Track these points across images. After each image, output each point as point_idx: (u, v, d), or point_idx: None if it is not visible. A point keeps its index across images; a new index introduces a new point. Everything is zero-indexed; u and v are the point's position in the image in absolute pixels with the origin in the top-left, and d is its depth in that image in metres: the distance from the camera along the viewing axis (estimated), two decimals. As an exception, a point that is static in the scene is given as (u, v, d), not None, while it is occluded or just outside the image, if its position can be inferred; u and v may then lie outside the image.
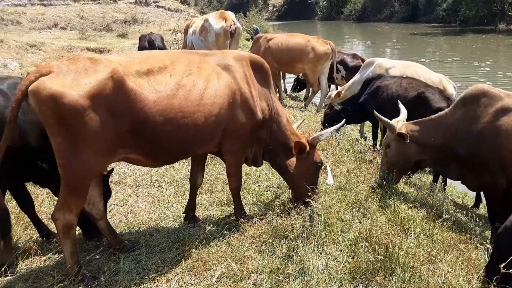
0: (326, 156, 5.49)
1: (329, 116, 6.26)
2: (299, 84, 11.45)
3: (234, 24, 8.24)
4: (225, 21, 8.19)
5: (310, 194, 3.75)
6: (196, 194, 3.91)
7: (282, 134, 3.83)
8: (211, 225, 3.70)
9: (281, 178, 4.14)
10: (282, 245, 3.36)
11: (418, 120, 4.41)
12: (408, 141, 4.23)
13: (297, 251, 3.22)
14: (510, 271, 2.72)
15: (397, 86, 5.64)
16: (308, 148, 3.82)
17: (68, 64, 2.79)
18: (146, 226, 3.80)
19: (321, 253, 3.29)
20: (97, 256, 3.29)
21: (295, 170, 3.84)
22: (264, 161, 4.02)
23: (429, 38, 31.78)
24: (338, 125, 4.15)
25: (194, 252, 3.29)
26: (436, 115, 4.27)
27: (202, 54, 3.55)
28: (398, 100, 5.01)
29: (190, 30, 9.00)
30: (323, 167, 5.15)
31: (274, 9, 67.17)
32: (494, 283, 2.84)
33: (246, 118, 3.48)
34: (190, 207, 3.86)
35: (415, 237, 3.52)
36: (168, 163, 3.71)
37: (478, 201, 5.24)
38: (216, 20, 8.29)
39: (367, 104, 5.89)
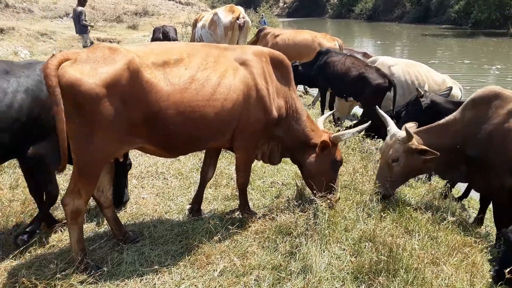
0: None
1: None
2: None
3: (243, 18, 8.24)
4: (234, 15, 8.20)
5: (328, 192, 3.66)
6: (204, 188, 3.92)
7: (301, 132, 3.76)
8: (215, 219, 3.71)
9: (296, 175, 4.22)
10: (285, 242, 3.35)
11: (425, 127, 4.21)
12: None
13: (300, 249, 3.21)
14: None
15: (341, 65, 6.48)
16: (330, 145, 3.71)
17: (88, 52, 2.86)
18: (150, 218, 3.81)
19: (324, 251, 3.29)
20: (101, 246, 3.30)
21: (315, 167, 3.76)
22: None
23: (440, 39, 31.45)
24: (362, 126, 3.94)
25: (197, 246, 3.30)
26: (444, 119, 4.11)
27: (222, 48, 3.53)
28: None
29: (199, 24, 9.03)
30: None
31: (285, 5, 66.84)
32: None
33: (261, 115, 3.44)
34: (197, 199, 3.87)
35: (420, 239, 3.49)
36: (181, 155, 3.71)
37: (467, 193, 5.32)
38: (225, 13, 8.30)
39: (317, 76, 7.01)
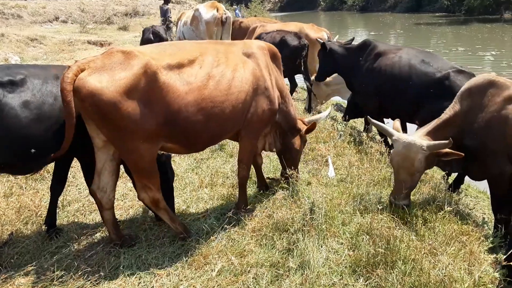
0: (327, 149, 5.46)
1: None
2: None
3: (225, 14, 8.26)
4: (216, 10, 8.21)
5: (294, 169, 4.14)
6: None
7: (292, 116, 4.12)
8: (212, 219, 3.71)
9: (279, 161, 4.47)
10: (282, 239, 3.35)
11: (431, 127, 3.95)
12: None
13: (297, 245, 3.21)
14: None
15: (270, 38, 7.32)
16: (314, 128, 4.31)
17: (103, 59, 2.91)
18: (147, 220, 3.79)
19: (321, 246, 3.29)
20: (97, 252, 3.28)
21: (297, 148, 4.26)
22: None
23: (434, 27, 31.38)
24: (327, 111, 4.69)
25: (195, 247, 3.29)
26: (444, 114, 3.95)
27: (227, 44, 3.76)
28: None
29: (181, 22, 9.04)
30: (324, 160, 5.16)
31: (277, 0, 66.66)
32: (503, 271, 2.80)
33: (267, 104, 3.66)
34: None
35: (417, 230, 3.49)
36: (199, 150, 3.87)
37: (461, 182, 5.08)
38: (207, 9, 8.34)
39: None
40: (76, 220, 3.85)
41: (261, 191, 4.30)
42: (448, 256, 3.10)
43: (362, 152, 5.36)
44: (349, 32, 31.66)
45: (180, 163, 4.97)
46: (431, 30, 30.13)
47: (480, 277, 2.96)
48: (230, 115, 3.34)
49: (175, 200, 3.85)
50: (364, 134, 5.90)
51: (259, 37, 7.60)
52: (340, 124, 6.39)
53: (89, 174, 3.50)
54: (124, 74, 2.84)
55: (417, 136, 3.89)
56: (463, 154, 3.68)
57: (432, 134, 3.89)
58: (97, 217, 3.81)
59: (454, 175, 5.02)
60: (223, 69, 3.32)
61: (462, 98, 3.98)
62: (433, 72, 5.01)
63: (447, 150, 3.70)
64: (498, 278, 2.88)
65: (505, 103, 3.69)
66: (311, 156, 5.29)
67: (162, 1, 13.84)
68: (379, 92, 5.53)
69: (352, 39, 7.19)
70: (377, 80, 5.51)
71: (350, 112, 6.75)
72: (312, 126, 4.19)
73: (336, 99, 9.43)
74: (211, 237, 3.39)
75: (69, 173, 3.65)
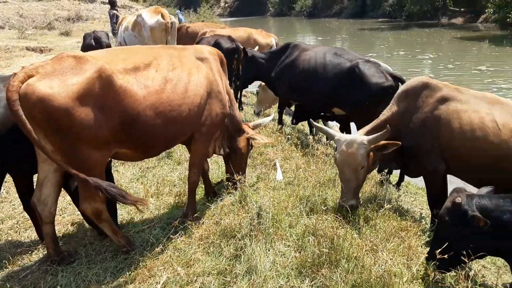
0: (275, 153, 5.52)
1: None
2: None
3: (171, 19, 8.20)
4: (161, 16, 8.12)
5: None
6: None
7: (236, 120, 4.21)
8: (157, 229, 3.61)
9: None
10: (229, 245, 3.33)
11: (370, 128, 4.14)
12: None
13: (245, 250, 3.20)
14: (448, 255, 2.87)
15: (205, 42, 7.42)
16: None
17: (53, 64, 2.76)
18: (87, 234, 3.62)
19: (269, 250, 3.30)
20: (33, 271, 3.09)
21: (243, 151, 4.31)
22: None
23: (377, 33, 32.89)
24: (269, 117, 4.83)
25: (138, 259, 3.18)
26: (381, 115, 4.18)
27: (180, 49, 3.77)
28: None
29: (122, 27, 8.81)
30: (272, 164, 5.21)
31: (226, 5, 66.67)
32: (435, 264, 2.96)
33: (220, 108, 3.75)
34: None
35: (359, 228, 3.61)
36: (155, 155, 3.80)
37: (401, 180, 5.62)
38: (150, 14, 8.20)
39: None
40: (10, 238, 3.61)
41: (209, 198, 4.25)
42: (388, 252, 3.23)
43: (309, 155, 5.47)
44: (297, 37, 32.41)
45: (124, 172, 4.81)
46: (375, 35, 31.54)
47: (418, 270, 3.12)
48: (187, 118, 3.38)
49: (118, 211, 3.72)
50: (311, 137, 6.04)
51: (198, 42, 7.67)
52: (288, 127, 6.49)
53: (24, 190, 3.33)
54: (77, 79, 2.72)
55: (357, 135, 4.04)
56: (399, 142, 3.84)
57: (370, 134, 4.04)
58: (33, 234, 3.59)
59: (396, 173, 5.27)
60: (179, 73, 3.36)
61: (398, 100, 4.19)
62: (344, 62, 5.64)
63: (384, 142, 3.87)
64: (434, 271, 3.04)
65: (438, 104, 3.92)
66: (260, 161, 5.33)
67: (109, 6, 13.45)
68: (295, 85, 6.09)
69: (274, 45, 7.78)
70: (294, 75, 6.09)
71: (297, 116, 6.89)
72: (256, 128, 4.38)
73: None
74: (156, 249, 3.30)
75: (2, 188, 3.41)
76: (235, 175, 4.01)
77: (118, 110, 2.91)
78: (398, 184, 5.55)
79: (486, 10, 30.98)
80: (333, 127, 4.41)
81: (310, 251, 3.21)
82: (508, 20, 27.36)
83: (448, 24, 33.54)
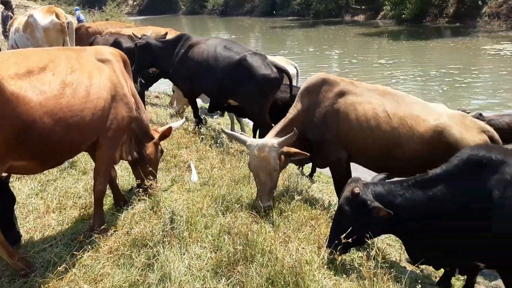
0: (190, 154, 5.43)
1: None
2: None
3: (66, 19, 7.68)
4: (55, 16, 7.56)
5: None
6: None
7: (144, 123, 4.08)
8: (60, 247, 3.34)
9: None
10: (141, 255, 3.18)
11: (279, 128, 4.26)
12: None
13: (158, 258, 3.09)
14: (350, 240, 3.06)
15: (103, 40, 7.49)
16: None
17: None
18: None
19: (184, 254, 3.23)
20: None
21: (152, 156, 4.17)
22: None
23: (287, 30, 34.13)
24: (180, 122, 4.94)
25: (39, 282, 2.91)
26: (288, 114, 4.34)
27: (78, 50, 3.59)
28: None
29: (13, 29, 8.07)
30: (186, 165, 5.12)
31: (135, 3, 63.92)
32: (337, 251, 3.16)
33: (126, 111, 3.58)
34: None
35: (273, 221, 3.69)
36: (56, 166, 3.66)
37: (313, 171, 5.99)
38: (43, 14, 7.60)
39: None
40: None
41: (119, 207, 4.04)
42: (299, 241, 3.35)
43: (224, 153, 5.48)
44: (211, 36, 32.34)
45: (21, 188, 4.34)
46: (285, 33, 32.71)
47: (328, 256, 3.28)
48: (90, 123, 3.17)
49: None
50: (224, 135, 6.06)
51: (92, 41, 7.31)
52: (202, 127, 6.44)
53: None
54: None
55: (267, 137, 4.15)
56: (308, 154, 4.06)
57: (280, 134, 4.18)
58: None
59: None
60: (79, 76, 3.14)
61: (302, 97, 4.38)
62: (233, 55, 5.86)
63: (295, 150, 4.04)
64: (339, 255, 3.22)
65: (337, 98, 4.18)
66: (173, 163, 5.20)
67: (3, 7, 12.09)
68: (191, 77, 6.25)
69: (166, 34, 7.79)
70: (189, 67, 6.22)
71: (210, 106, 7.02)
72: (166, 132, 4.19)
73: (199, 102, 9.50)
74: (59, 268, 3.01)
75: None
76: (146, 181, 3.88)
77: (11, 120, 2.65)
78: (310, 175, 5.82)
79: (384, 8, 33.78)
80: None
81: (226, 250, 3.21)
82: (403, 16, 30.24)
83: (351, 21, 35.96)
